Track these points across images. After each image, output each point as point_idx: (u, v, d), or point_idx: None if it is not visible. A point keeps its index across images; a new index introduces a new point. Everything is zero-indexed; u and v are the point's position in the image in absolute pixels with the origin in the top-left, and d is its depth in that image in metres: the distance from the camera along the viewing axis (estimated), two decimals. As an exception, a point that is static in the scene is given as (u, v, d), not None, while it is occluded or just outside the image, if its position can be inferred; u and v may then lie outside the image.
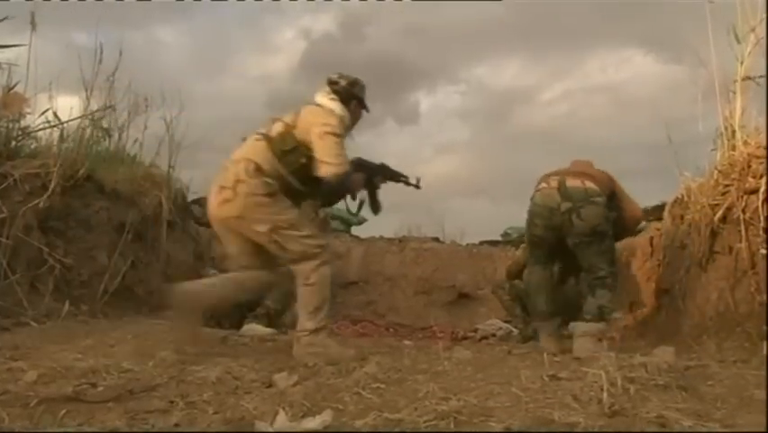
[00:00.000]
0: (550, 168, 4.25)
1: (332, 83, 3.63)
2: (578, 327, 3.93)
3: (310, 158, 3.40)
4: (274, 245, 3.35)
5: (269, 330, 4.72)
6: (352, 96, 3.65)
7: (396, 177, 4.03)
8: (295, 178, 3.43)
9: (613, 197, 4.14)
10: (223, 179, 3.39)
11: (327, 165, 3.36)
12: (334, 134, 3.40)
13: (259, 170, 3.34)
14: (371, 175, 3.96)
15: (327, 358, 3.06)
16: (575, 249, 4.04)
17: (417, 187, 4.06)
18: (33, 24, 4.86)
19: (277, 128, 3.47)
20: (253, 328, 4.73)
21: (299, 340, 3.32)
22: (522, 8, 21.07)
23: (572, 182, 4.00)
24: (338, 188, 3.63)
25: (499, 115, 22.80)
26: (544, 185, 4.14)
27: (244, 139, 3.58)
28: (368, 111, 3.77)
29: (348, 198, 3.87)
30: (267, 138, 3.45)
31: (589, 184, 3.98)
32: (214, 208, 3.45)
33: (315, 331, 3.29)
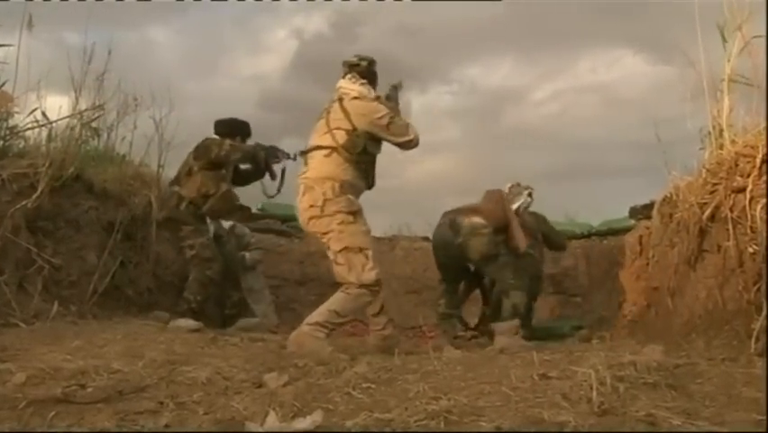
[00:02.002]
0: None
1: (353, 66, 3.91)
2: (497, 326, 4.62)
3: (379, 148, 3.85)
4: (336, 266, 3.65)
5: (196, 323, 4.63)
6: (372, 74, 3.95)
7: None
8: (363, 180, 3.81)
9: (506, 227, 4.86)
10: (311, 198, 3.67)
11: (407, 142, 3.85)
12: (391, 118, 3.77)
13: (343, 186, 3.66)
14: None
15: (317, 358, 3.06)
16: (478, 269, 5.16)
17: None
18: (30, 26, 4.84)
19: (339, 137, 3.71)
20: (181, 323, 4.62)
21: (300, 328, 3.51)
22: (514, 9, 21.06)
23: (461, 219, 4.88)
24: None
25: (490, 114, 22.81)
26: (441, 221, 5.11)
27: (303, 153, 3.92)
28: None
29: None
30: (335, 149, 3.71)
31: (476, 219, 4.81)
32: (305, 224, 3.80)
33: (318, 325, 3.47)
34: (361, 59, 3.93)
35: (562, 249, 6.12)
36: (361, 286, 3.59)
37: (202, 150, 5.13)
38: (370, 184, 3.89)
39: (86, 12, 5.50)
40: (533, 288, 5.26)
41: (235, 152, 5.07)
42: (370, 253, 3.65)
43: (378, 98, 3.87)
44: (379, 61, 3.98)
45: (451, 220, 4.86)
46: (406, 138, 3.82)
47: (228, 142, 5.10)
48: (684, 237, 3.99)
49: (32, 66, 4.88)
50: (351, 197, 3.69)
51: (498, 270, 4.83)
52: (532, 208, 5.62)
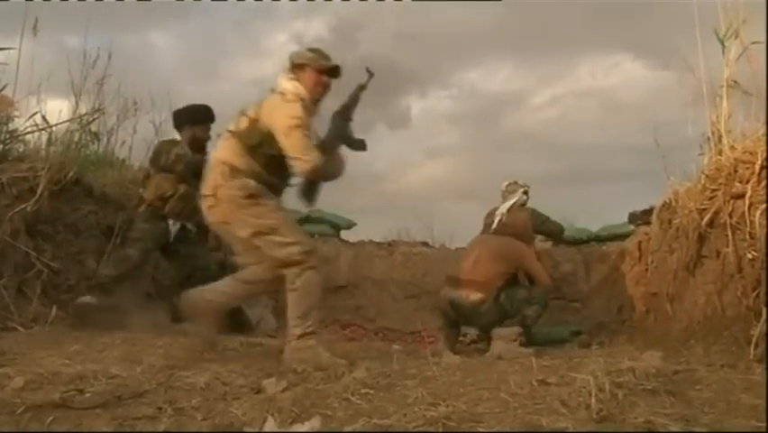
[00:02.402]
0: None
1: (290, 59, 3.51)
2: (496, 331, 4.46)
3: (279, 149, 3.30)
4: (257, 251, 3.34)
5: (92, 298, 4.38)
6: (303, 68, 3.47)
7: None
8: (267, 171, 3.35)
9: (521, 267, 4.72)
10: (205, 185, 3.39)
11: (299, 162, 3.26)
12: (297, 127, 3.25)
13: (234, 170, 3.30)
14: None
15: (316, 364, 3.04)
16: None
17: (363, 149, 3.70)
18: (35, 30, 4.86)
19: (242, 123, 3.39)
20: (84, 299, 4.37)
21: (288, 345, 3.29)
22: (514, 14, 21.10)
23: (460, 297, 4.55)
24: (322, 179, 3.52)
25: (490, 119, 22.83)
26: (442, 295, 4.74)
27: (219, 136, 3.57)
28: (336, 76, 3.55)
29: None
30: (235, 135, 3.39)
31: (474, 296, 4.50)
32: (206, 214, 3.46)
33: (303, 336, 3.26)
34: (296, 52, 3.53)
35: (561, 234, 6.07)
36: (290, 264, 3.26)
37: (154, 155, 4.98)
38: (276, 183, 3.42)
39: (87, 15, 5.52)
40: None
41: (179, 163, 4.77)
42: (284, 229, 3.30)
43: (302, 101, 3.36)
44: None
45: (450, 301, 4.62)
46: (301, 158, 3.25)
47: (175, 150, 4.82)
48: (683, 243, 3.99)
49: (33, 69, 4.90)
50: (246, 180, 3.29)
51: (510, 316, 4.64)
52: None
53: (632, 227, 6.32)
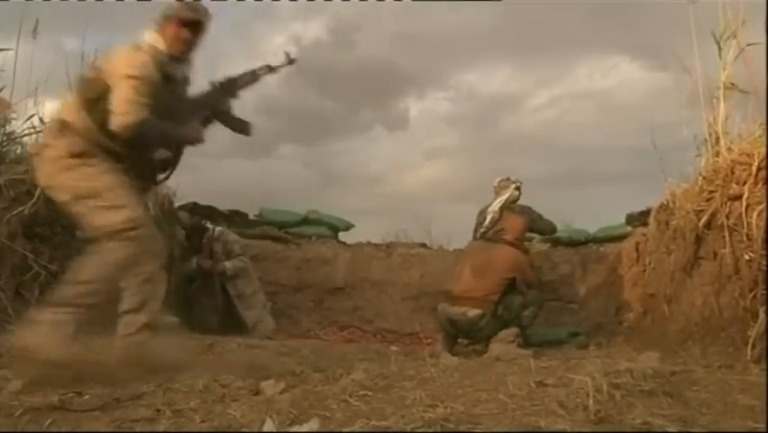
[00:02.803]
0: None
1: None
2: (498, 334, 4.55)
3: (101, 99, 2.83)
4: (82, 216, 2.86)
5: None
6: (166, 20, 3.00)
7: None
8: (105, 133, 2.82)
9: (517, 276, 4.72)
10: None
11: (114, 115, 2.74)
12: (131, 78, 2.76)
13: (65, 127, 2.84)
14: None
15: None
16: None
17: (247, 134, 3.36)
18: (35, 33, 4.86)
19: (89, 74, 2.97)
20: None
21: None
22: (511, 16, 21.11)
23: (458, 314, 4.59)
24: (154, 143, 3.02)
25: (487, 120, 22.82)
26: (440, 310, 4.77)
27: None
28: (198, 32, 3.09)
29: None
30: (76, 89, 2.97)
31: (472, 313, 4.55)
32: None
33: (59, 307, 2.78)
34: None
35: (553, 232, 6.08)
36: (111, 236, 2.76)
37: None
38: (116, 149, 2.87)
39: (85, 16, 5.51)
40: None
41: None
42: (109, 194, 2.81)
43: (156, 53, 2.92)
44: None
45: (449, 319, 4.64)
46: (119, 111, 2.73)
47: None
48: (681, 244, 4.00)
49: (31, 71, 4.90)
50: (76, 138, 2.82)
51: (511, 324, 4.65)
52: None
53: (629, 229, 6.33)
